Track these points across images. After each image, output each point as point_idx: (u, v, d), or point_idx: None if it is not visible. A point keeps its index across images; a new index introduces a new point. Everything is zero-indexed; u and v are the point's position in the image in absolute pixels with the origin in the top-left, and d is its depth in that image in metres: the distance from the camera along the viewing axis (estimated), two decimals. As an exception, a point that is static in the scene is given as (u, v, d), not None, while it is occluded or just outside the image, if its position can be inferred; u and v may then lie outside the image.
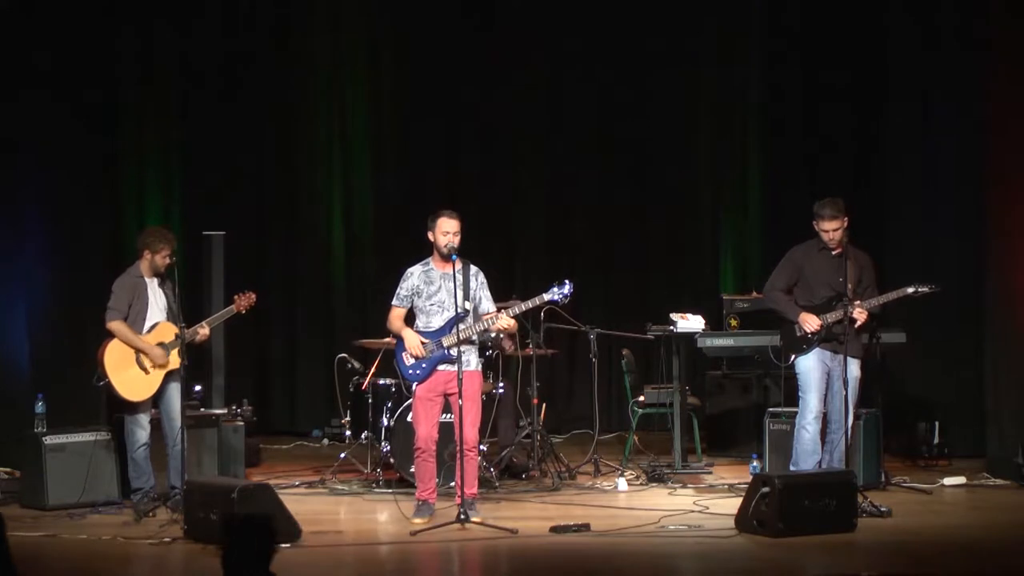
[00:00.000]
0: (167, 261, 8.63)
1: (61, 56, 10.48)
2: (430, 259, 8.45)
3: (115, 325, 8.71)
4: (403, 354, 8.39)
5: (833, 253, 8.89)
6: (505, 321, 8.29)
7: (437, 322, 8.35)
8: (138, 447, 8.73)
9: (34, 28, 10.35)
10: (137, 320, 8.73)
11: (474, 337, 8.35)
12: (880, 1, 11.53)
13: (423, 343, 8.31)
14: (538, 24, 12.96)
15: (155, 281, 8.78)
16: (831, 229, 8.80)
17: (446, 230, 8.30)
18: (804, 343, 8.91)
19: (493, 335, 9.00)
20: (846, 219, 8.82)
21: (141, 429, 8.73)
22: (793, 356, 8.97)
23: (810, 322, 8.86)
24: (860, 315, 8.74)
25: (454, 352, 8.22)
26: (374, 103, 13.09)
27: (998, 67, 10.35)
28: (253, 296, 8.95)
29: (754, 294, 11.07)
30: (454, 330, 8.25)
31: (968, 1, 10.68)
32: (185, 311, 8.82)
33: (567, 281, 8.34)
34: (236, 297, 8.92)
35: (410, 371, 8.39)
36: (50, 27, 10.42)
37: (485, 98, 13.03)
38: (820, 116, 12.45)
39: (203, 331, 8.79)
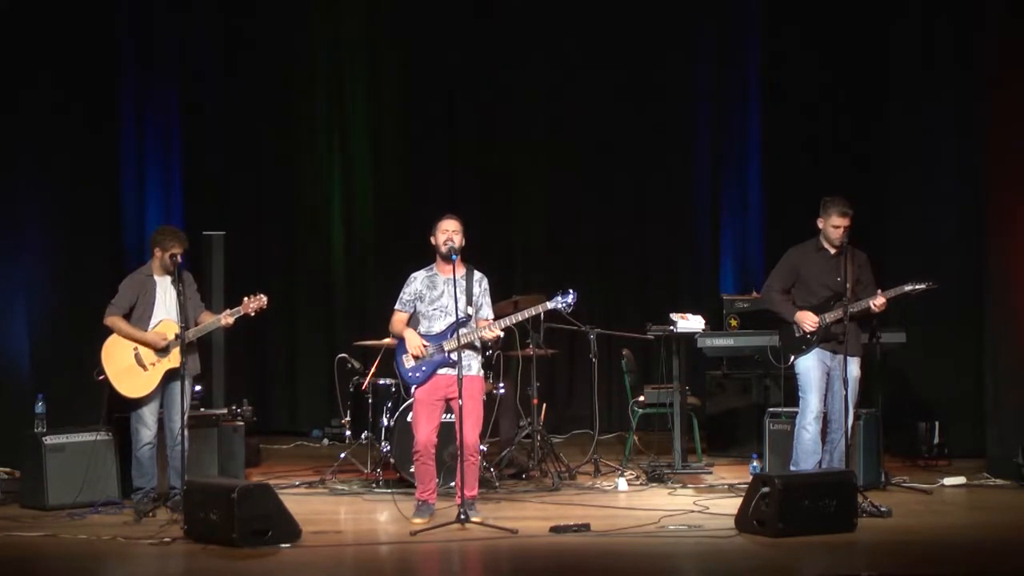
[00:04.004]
0: (176, 261, 8.61)
1: (61, 57, 10.47)
2: (433, 264, 8.46)
3: (110, 320, 8.72)
4: (403, 356, 8.38)
5: (831, 253, 8.89)
6: (489, 332, 8.29)
7: (439, 327, 8.35)
8: (142, 446, 8.73)
9: (33, 30, 10.35)
10: (143, 318, 8.73)
11: (476, 342, 8.35)
12: (880, 3, 11.53)
13: (424, 345, 8.31)
14: (539, 24, 12.98)
15: (166, 280, 8.77)
16: (842, 226, 8.79)
17: (445, 229, 8.31)
18: (803, 343, 8.91)
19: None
20: (852, 217, 8.83)
21: (146, 428, 8.72)
22: (792, 357, 8.97)
23: (807, 320, 8.85)
24: (880, 304, 8.73)
25: (455, 356, 8.22)
26: (374, 103, 13.11)
27: (997, 67, 10.35)
28: (264, 299, 8.81)
29: (754, 294, 11.07)
30: (455, 334, 8.25)
31: (967, 2, 10.68)
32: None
33: (571, 290, 8.34)
34: (246, 298, 8.82)
35: (410, 374, 8.38)
36: (49, 29, 10.42)
37: (485, 98, 13.06)
38: (820, 116, 12.48)
39: (228, 320, 8.78)
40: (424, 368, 8.32)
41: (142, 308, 8.74)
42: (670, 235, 13.16)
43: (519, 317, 8.46)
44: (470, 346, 8.33)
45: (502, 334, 8.60)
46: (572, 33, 12.99)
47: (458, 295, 8.23)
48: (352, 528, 8.45)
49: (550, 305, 8.38)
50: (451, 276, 8.28)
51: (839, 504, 7.87)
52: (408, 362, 8.36)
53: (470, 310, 8.33)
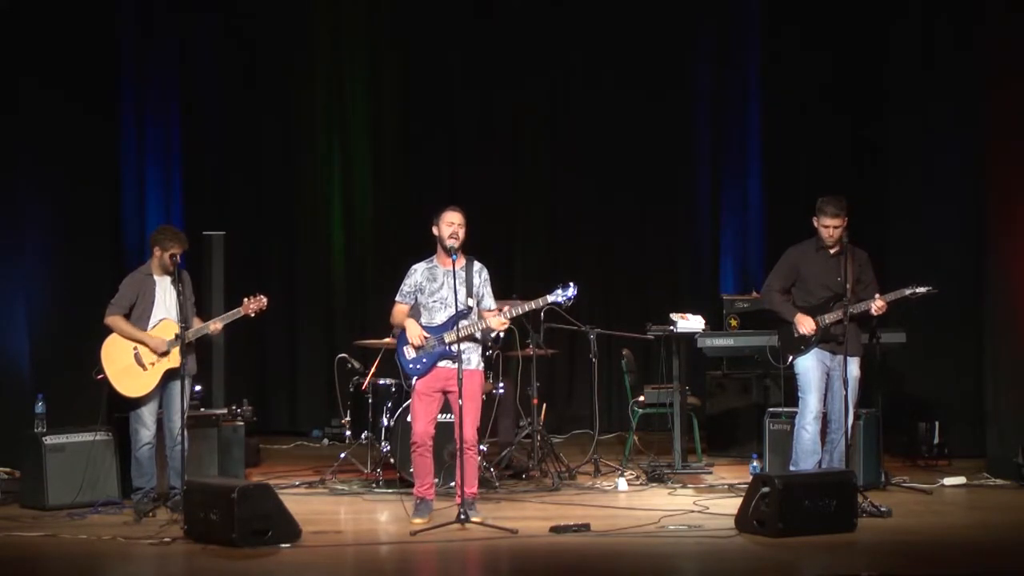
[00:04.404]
0: (176, 262, 8.61)
1: (61, 57, 10.47)
2: (434, 256, 8.46)
3: (111, 319, 8.72)
4: (404, 347, 8.39)
5: (831, 252, 8.89)
6: (496, 322, 8.29)
7: (440, 318, 8.35)
8: (141, 446, 8.73)
9: (34, 29, 10.35)
10: (142, 317, 8.73)
11: (476, 334, 8.36)
12: (880, 3, 11.53)
13: (425, 336, 8.31)
14: (538, 25, 12.98)
15: (166, 280, 8.77)
16: (832, 226, 8.79)
17: (451, 221, 8.32)
18: (802, 344, 8.90)
19: (493, 335, 9.00)
20: (846, 217, 8.82)
21: (145, 428, 8.72)
22: (791, 357, 8.97)
23: (806, 324, 8.84)
24: (880, 307, 8.73)
25: (455, 348, 8.22)
26: (374, 103, 13.11)
27: (998, 67, 10.34)
28: (264, 300, 8.83)
29: (754, 294, 11.08)
30: (456, 327, 8.25)
31: (967, 2, 10.68)
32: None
33: (571, 284, 8.34)
34: (246, 299, 8.83)
35: (411, 364, 8.38)
36: (50, 29, 10.41)
37: (486, 98, 13.07)
38: (820, 116, 12.47)
39: (216, 327, 8.77)
40: (425, 360, 8.32)
41: (142, 307, 8.74)
42: (670, 235, 13.16)
43: (521, 310, 8.42)
44: (470, 338, 8.33)
45: (506, 325, 8.52)
46: (572, 33, 12.98)
47: (458, 287, 8.23)
48: (352, 528, 8.45)
49: (551, 299, 8.37)
50: (451, 268, 8.28)
51: (839, 504, 7.87)
52: (409, 353, 8.37)
53: (471, 302, 8.34)
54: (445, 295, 8.35)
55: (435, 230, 8.38)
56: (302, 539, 7.71)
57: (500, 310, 8.37)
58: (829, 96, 12.41)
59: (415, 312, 8.46)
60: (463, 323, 8.28)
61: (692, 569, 7.51)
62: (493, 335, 9.18)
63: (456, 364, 8.14)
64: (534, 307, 8.48)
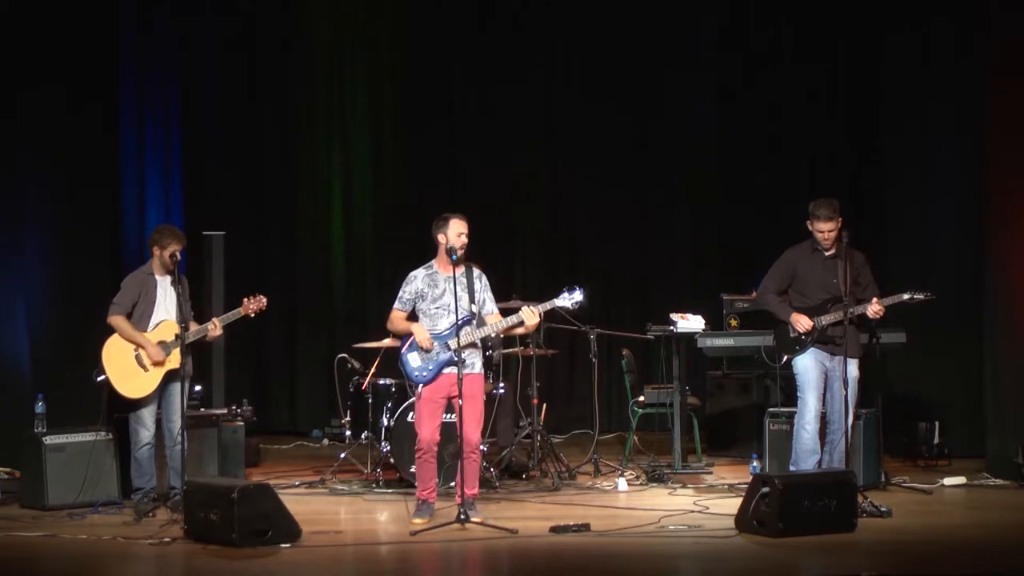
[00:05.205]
0: (176, 260, 8.60)
1: (61, 58, 10.47)
2: (433, 262, 8.43)
3: (114, 319, 8.72)
4: (409, 354, 8.36)
5: (827, 255, 8.88)
6: (532, 318, 8.21)
7: (443, 325, 8.33)
8: (141, 446, 8.74)
9: (34, 30, 10.35)
10: (143, 317, 8.73)
11: (478, 341, 8.35)
12: (880, 4, 11.53)
13: (433, 342, 8.29)
14: (539, 25, 12.99)
15: (167, 279, 8.76)
16: (826, 230, 8.79)
17: (460, 231, 8.28)
18: (797, 344, 8.91)
19: (493, 336, 8.98)
20: (840, 220, 8.81)
21: (144, 429, 8.72)
22: (786, 356, 8.97)
23: (802, 322, 8.85)
24: (877, 311, 8.72)
25: (461, 354, 8.19)
26: (374, 102, 13.11)
27: (997, 67, 10.33)
28: (264, 300, 8.82)
29: (754, 294, 11.06)
30: (460, 333, 8.22)
31: (966, 5, 10.67)
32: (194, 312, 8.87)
33: (578, 287, 8.34)
34: (245, 299, 8.82)
35: (416, 372, 8.36)
36: (50, 30, 10.41)
37: (485, 98, 13.06)
38: (820, 117, 12.46)
39: (214, 331, 8.75)
40: (431, 367, 8.31)
41: (143, 307, 8.74)
42: (670, 235, 13.15)
43: (547, 307, 8.38)
44: (473, 344, 8.32)
45: (538, 320, 8.42)
46: (572, 33, 12.99)
47: (460, 293, 8.21)
48: (352, 528, 8.44)
49: (558, 303, 8.35)
50: (451, 274, 8.26)
51: (839, 504, 7.87)
52: (415, 360, 8.34)
53: (473, 308, 8.32)
54: (448, 301, 8.31)
55: (441, 237, 8.33)
56: (302, 539, 7.71)
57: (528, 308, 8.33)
58: (828, 96, 12.40)
59: (413, 319, 8.42)
60: (466, 329, 8.26)
61: (692, 569, 7.51)
62: (499, 337, 9.17)
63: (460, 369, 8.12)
64: (548, 308, 8.43)
